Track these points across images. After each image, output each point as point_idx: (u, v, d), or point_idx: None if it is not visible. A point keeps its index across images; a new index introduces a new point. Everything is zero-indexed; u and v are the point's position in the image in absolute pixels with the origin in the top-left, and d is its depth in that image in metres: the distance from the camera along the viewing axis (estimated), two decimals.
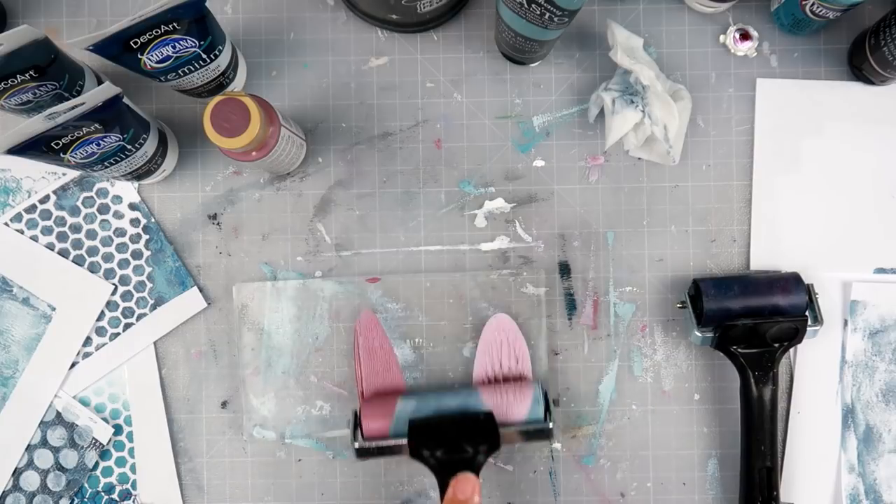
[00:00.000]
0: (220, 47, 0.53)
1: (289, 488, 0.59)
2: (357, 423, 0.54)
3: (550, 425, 0.54)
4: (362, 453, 0.54)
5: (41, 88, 0.51)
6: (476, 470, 0.51)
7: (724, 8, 0.59)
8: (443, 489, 0.50)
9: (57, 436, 0.59)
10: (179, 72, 0.53)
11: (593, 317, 0.59)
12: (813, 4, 0.54)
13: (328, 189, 0.60)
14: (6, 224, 0.60)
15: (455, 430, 0.52)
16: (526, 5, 0.48)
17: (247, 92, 0.52)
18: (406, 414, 0.54)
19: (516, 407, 0.54)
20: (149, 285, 0.59)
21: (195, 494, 0.59)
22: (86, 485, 0.59)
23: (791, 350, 0.58)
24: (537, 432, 0.54)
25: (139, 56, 0.50)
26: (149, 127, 0.54)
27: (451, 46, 0.60)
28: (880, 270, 0.59)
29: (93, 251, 0.60)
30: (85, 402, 0.59)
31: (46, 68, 0.50)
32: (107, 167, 0.53)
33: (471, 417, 0.53)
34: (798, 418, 0.59)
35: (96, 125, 0.49)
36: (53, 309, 0.59)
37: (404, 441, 0.53)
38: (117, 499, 0.59)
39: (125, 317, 0.59)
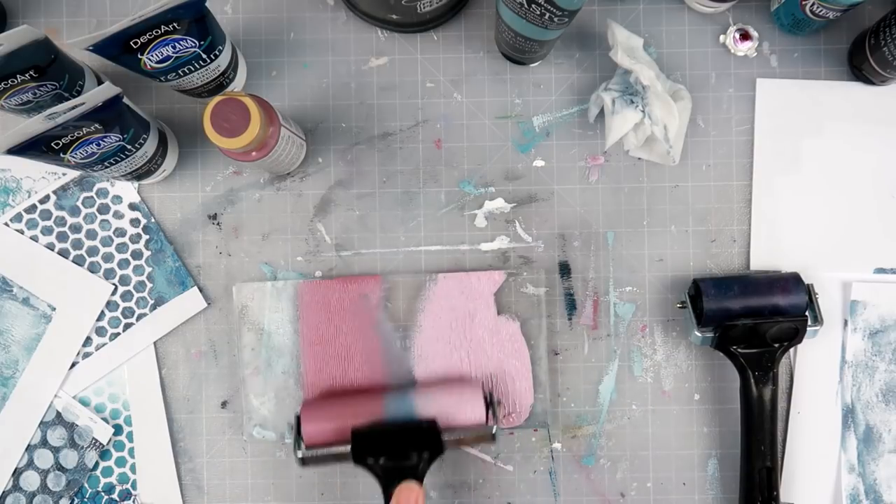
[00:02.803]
0: (220, 47, 0.53)
1: (289, 488, 0.59)
2: (299, 430, 0.54)
3: (494, 430, 0.54)
4: (306, 461, 0.53)
5: (41, 88, 0.51)
6: (420, 477, 0.51)
7: (724, 8, 0.59)
8: (387, 496, 0.51)
9: (57, 436, 0.59)
10: (179, 72, 0.53)
11: (593, 317, 0.59)
12: (813, 4, 0.54)
13: (328, 189, 0.60)
14: (6, 224, 0.60)
15: (398, 437, 0.52)
16: (526, 5, 0.48)
17: (247, 92, 0.52)
18: (348, 418, 0.54)
19: (460, 411, 0.54)
20: (149, 285, 0.59)
21: (195, 494, 0.59)
22: (86, 485, 0.59)
23: (791, 350, 0.58)
24: (481, 437, 0.54)
25: (139, 56, 0.50)
26: (149, 127, 0.54)
27: (451, 46, 0.60)
28: (880, 270, 0.59)
29: (93, 251, 0.60)
30: (85, 402, 0.59)
31: (46, 68, 0.50)
32: (107, 167, 0.53)
33: (414, 425, 0.53)
34: (798, 418, 0.59)
35: (96, 125, 0.49)
36: (53, 309, 0.59)
37: (347, 449, 0.52)
38: (117, 499, 0.59)
39: (125, 317, 0.59)
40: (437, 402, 0.54)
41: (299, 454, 0.53)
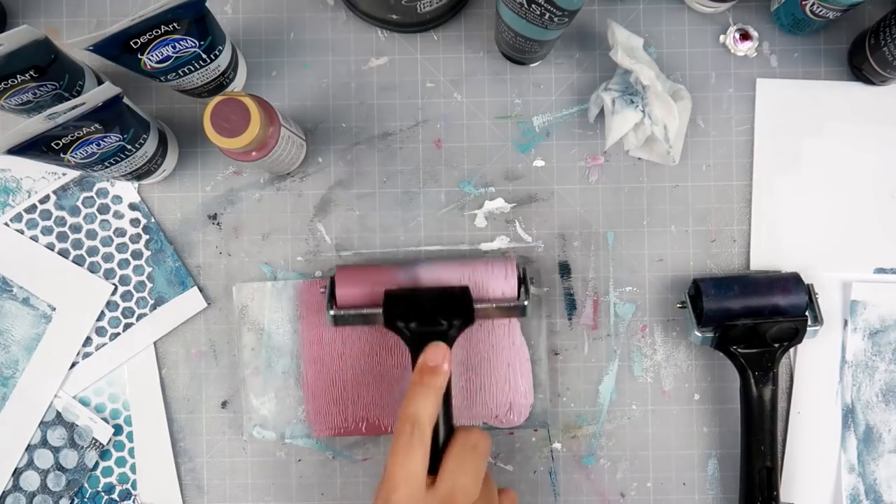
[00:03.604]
0: (220, 47, 0.53)
1: (289, 488, 0.59)
2: (332, 292, 0.55)
3: (525, 302, 0.54)
4: (338, 320, 0.54)
5: (41, 88, 0.51)
6: (449, 342, 0.51)
7: (724, 8, 0.59)
8: (415, 360, 0.51)
9: (57, 436, 0.59)
10: (179, 72, 0.53)
11: (593, 317, 0.59)
12: (813, 4, 0.54)
13: (328, 189, 0.60)
14: (6, 224, 0.60)
15: (430, 302, 0.52)
16: (526, 5, 0.48)
17: (247, 92, 0.52)
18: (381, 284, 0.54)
19: (492, 283, 0.54)
20: (149, 285, 0.59)
21: (195, 494, 0.59)
22: (86, 485, 0.59)
23: (791, 350, 0.58)
24: (511, 308, 0.54)
25: (139, 56, 0.50)
26: (149, 127, 0.54)
27: (451, 46, 0.60)
28: (880, 270, 0.59)
29: (93, 251, 0.60)
30: (85, 402, 0.59)
31: (46, 68, 0.50)
32: (107, 167, 0.53)
33: (447, 291, 0.53)
34: (798, 418, 0.59)
35: (96, 125, 0.49)
36: (53, 309, 0.59)
37: (379, 311, 0.53)
38: (117, 499, 0.59)
39: (125, 317, 0.59)
40: (471, 271, 0.55)
41: (331, 312, 0.54)
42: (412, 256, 0.60)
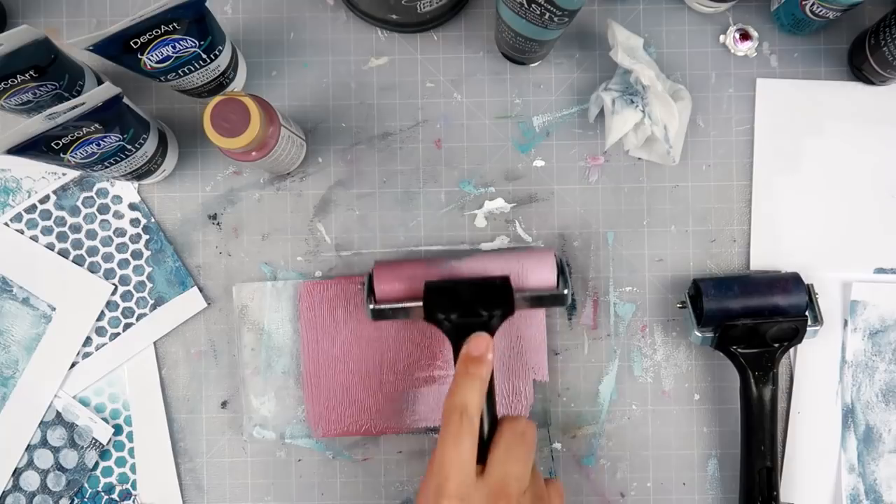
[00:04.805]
0: (220, 47, 0.53)
1: (289, 488, 0.59)
2: (371, 287, 0.55)
3: (566, 292, 0.54)
4: (377, 314, 0.54)
5: (41, 88, 0.51)
6: (491, 333, 0.51)
7: (724, 8, 0.59)
8: (456, 351, 0.50)
9: (57, 436, 0.59)
10: (179, 72, 0.53)
11: (593, 317, 0.59)
12: (813, 4, 0.54)
13: (328, 189, 0.60)
14: (6, 224, 0.60)
15: (470, 293, 0.52)
16: (526, 5, 0.48)
17: (247, 92, 0.52)
18: (420, 277, 0.54)
19: (532, 273, 0.54)
20: (149, 285, 0.59)
21: (195, 494, 0.59)
22: (86, 485, 0.59)
23: (791, 350, 0.58)
24: (551, 298, 0.54)
25: (139, 56, 0.50)
26: (149, 127, 0.54)
27: (451, 46, 0.60)
28: (880, 270, 0.59)
29: (93, 251, 0.60)
30: (85, 402, 0.59)
31: (46, 68, 0.50)
32: (107, 167, 0.53)
33: (487, 282, 0.53)
34: (798, 418, 0.59)
35: (96, 125, 0.49)
36: (53, 309, 0.59)
37: (419, 304, 0.53)
38: (117, 499, 0.59)
39: (125, 317, 0.59)
40: (511, 262, 0.55)
41: (371, 306, 0.54)
42: (412, 256, 0.60)
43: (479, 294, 0.52)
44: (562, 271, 0.55)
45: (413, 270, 0.55)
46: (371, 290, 0.55)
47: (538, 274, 0.55)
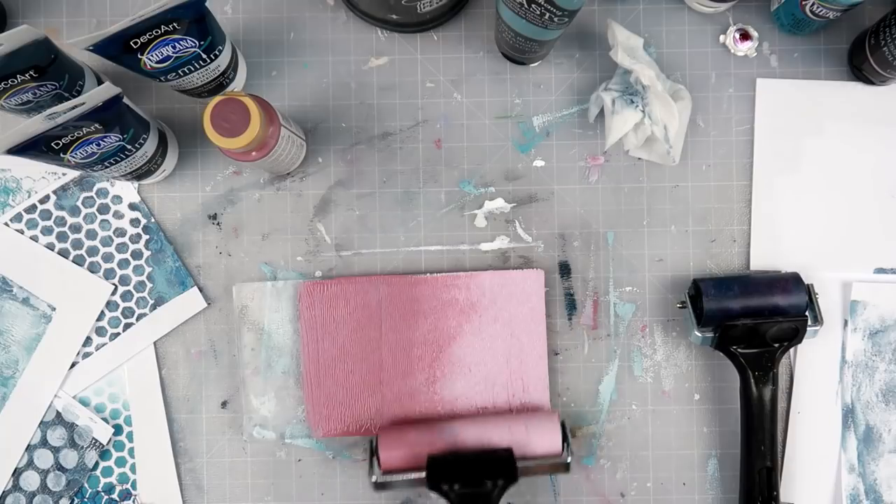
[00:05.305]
0: (220, 47, 0.53)
1: (289, 488, 0.59)
2: (374, 454, 0.55)
3: (569, 459, 0.54)
4: (379, 486, 0.54)
5: (41, 88, 0.51)
6: (493, 503, 0.52)
7: (724, 8, 0.59)
8: None
9: (57, 436, 0.59)
10: (179, 72, 0.53)
11: (593, 317, 0.59)
12: (813, 4, 0.54)
13: (328, 189, 0.60)
14: (6, 224, 0.60)
15: (474, 465, 0.53)
16: (526, 5, 0.48)
17: (247, 92, 0.52)
18: (423, 446, 0.54)
19: (535, 441, 0.54)
20: (149, 285, 0.59)
21: (195, 494, 0.59)
22: (86, 485, 0.59)
23: (791, 350, 0.58)
24: (555, 466, 0.54)
25: (139, 56, 0.50)
26: (149, 127, 0.54)
27: (451, 46, 0.60)
28: (880, 270, 0.59)
29: (93, 251, 0.60)
30: (85, 402, 0.59)
31: (46, 68, 0.50)
32: (107, 167, 0.53)
33: (489, 453, 0.54)
34: (798, 418, 0.59)
35: (96, 125, 0.49)
36: (53, 309, 0.59)
37: (422, 475, 0.53)
38: (117, 499, 0.59)
39: (125, 317, 0.59)
40: (513, 430, 0.55)
41: (374, 479, 0.54)
42: (412, 257, 0.60)
43: (481, 465, 0.53)
44: (565, 437, 0.55)
45: (416, 437, 0.55)
46: (374, 458, 0.55)
47: (543, 441, 0.55)
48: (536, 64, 0.60)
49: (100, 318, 0.59)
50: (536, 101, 0.60)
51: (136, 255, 0.60)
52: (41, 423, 0.59)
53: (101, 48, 0.49)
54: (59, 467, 0.59)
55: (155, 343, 0.60)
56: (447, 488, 0.52)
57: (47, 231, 0.60)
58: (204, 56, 0.52)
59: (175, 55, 0.51)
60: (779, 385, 0.56)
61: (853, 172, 0.59)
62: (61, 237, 0.60)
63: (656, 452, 0.59)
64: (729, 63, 0.60)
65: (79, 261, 0.60)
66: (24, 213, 0.60)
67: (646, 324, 0.59)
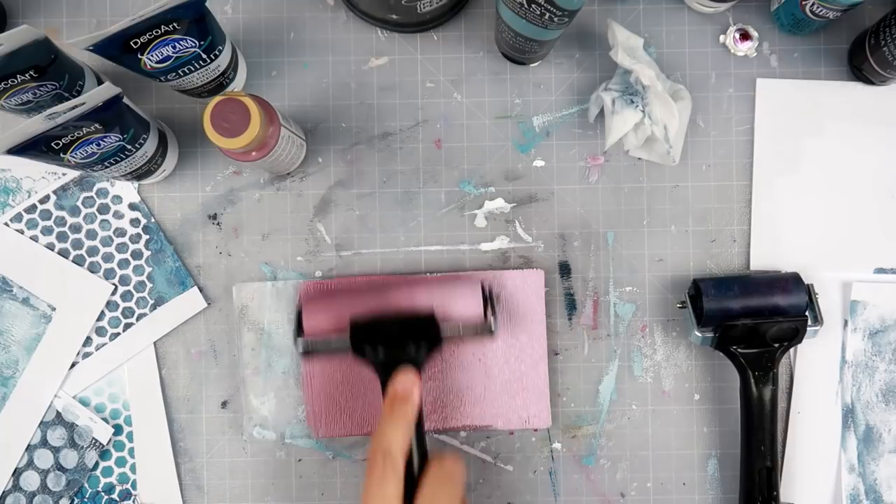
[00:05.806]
0: (220, 47, 0.53)
1: (289, 488, 0.59)
2: (299, 323, 0.54)
3: (492, 324, 0.54)
4: (307, 352, 0.54)
5: (41, 88, 0.51)
6: (419, 367, 0.51)
7: (724, 8, 0.59)
8: (384, 387, 0.51)
9: (57, 436, 0.59)
10: (179, 72, 0.53)
11: (593, 317, 0.59)
12: (813, 4, 0.54)
13: (328, 189, 0.60)
14: (6, 224, 0.60)
15: (397, 328, 0.52)
16: (526, 5, 0.48)
17: (247, 92, 0.52)
18: (347, 312, 0.54)
19: (459, 304, 0.54)
20: (149, 285, 0.59)
21: (195, 494, 0.59)
22: (86, 485, 0.59)
23: (791, 350, 0.59)
24: (478, 330, 0.54)
25: (139, 56, 0.50)
26: (149, 127, 0.54)
27: (451, 46, 0.60)
28: (880, 270, 0.59)
29: (93, 251, 0.60)
30: (85, 402, 0.59)
31: (46, 68, 0.50)
32: (107, 167, 0.53)
33: (413, 316, 0.53)
34: (798, 418, 0.59)
35: (96, 125, 0.49)
36: (53, 309, 0.59)
37: (346, 340, 0.53)
38: (117, 499, 0.59)
39: (125, 317, 0.59)
40: (435, 293, 0.54)
41: (300, 347, 0.53)
42: (412, 257, 0.60)
43: (405, 328, 0.52)
44: (489, 301, 0.55)
45: (339, 303, 0.54)
46: (299, 326, 0.54)
47: (463, 304, 0.54)
48: (536, 64, 0.60)
49: (100, 318, 0.59)
50: (536, 101, 0.60)
51: (136, 255, 0.60)
52: (41, 423, 0.59)
53: (101, 48, 0.49)
54: (59, 467, 0.59)
55: (155, 343, 0.60)
56: (370, 352, 0.52)
57: (47, 231, 0.60)
58: (204, 56, 0.52)
59: (175, 55, 0.51)
60: (779, 385, 0.56)
61: (853, 172, 0.59)
62: (61, 237, 0.60)
63: (656, 452, 0.59)
64: (729, 63, 0.60)
65: (79, 261, 0.60)
66: (24, 213, 0.60)
67: (646, 324, 0.59)
